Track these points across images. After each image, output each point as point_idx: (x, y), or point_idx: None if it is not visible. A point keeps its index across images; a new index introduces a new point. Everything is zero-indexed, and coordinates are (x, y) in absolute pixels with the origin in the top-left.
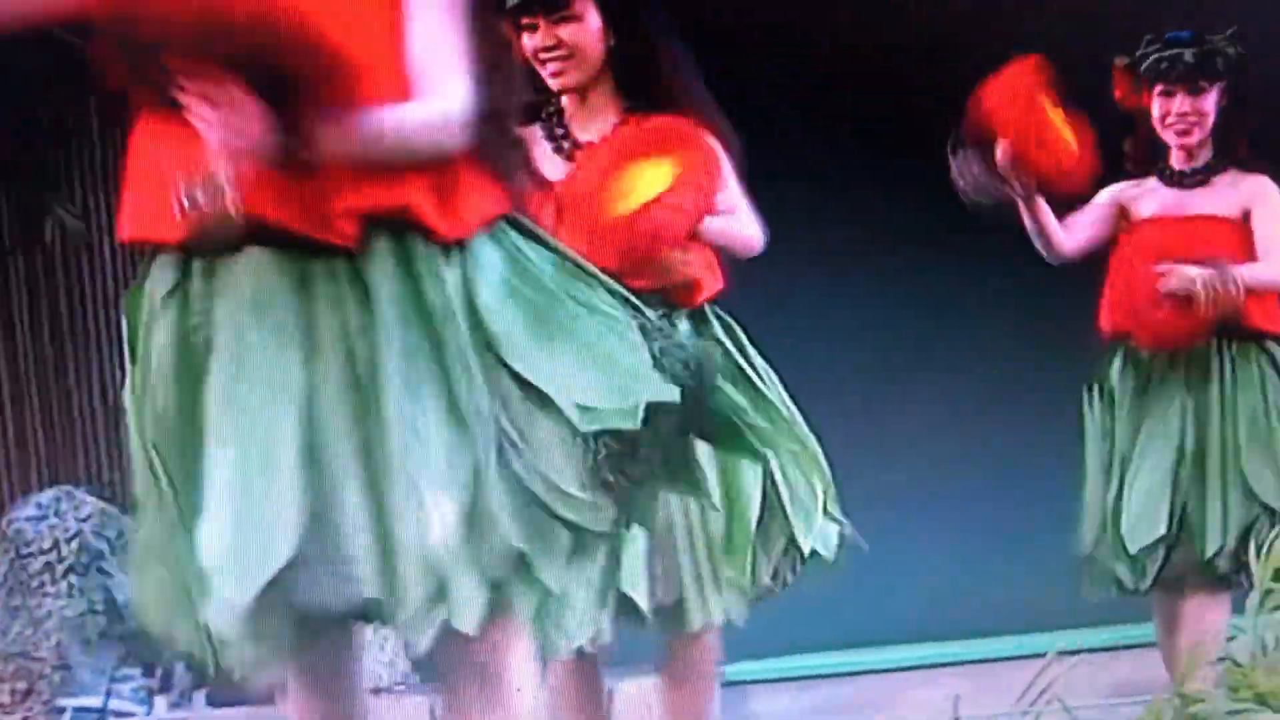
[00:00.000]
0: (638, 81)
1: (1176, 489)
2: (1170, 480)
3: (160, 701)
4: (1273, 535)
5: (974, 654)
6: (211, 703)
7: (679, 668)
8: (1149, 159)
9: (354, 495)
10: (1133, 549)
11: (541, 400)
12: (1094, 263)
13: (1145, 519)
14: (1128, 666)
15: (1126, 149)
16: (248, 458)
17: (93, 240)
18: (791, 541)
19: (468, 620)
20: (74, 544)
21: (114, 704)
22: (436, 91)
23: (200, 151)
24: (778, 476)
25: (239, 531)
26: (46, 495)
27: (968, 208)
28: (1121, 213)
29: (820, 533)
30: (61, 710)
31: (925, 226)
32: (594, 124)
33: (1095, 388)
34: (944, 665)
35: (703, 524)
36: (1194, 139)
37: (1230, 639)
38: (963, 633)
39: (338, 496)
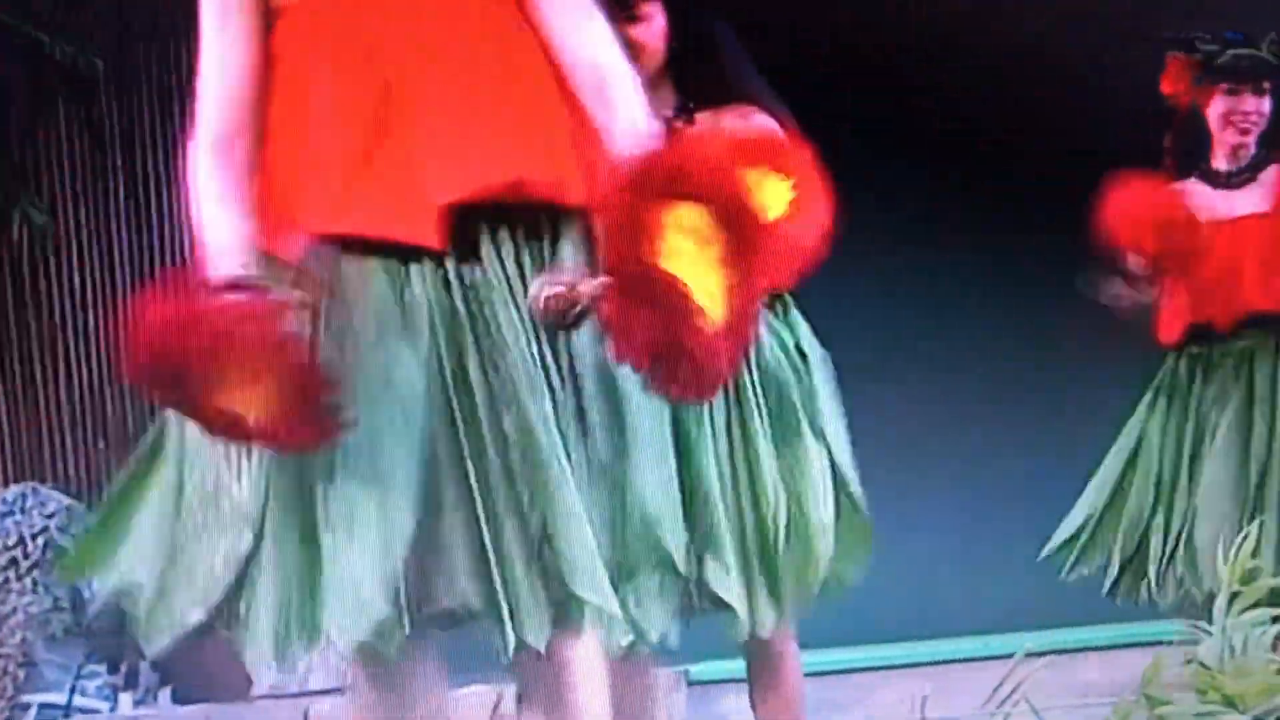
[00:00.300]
0: (699, 80)
1: (1246, 506)
2: (1244, 496)
3: (125, 698)
4: (1240, 538)
5: (941, 654)
6: (176, 699)
7: (764, 672)
8: (1189, 156)
9: (459, 504)
10: (1203, 566)
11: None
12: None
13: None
14: (1095, 668)
15: (1167, 144)
16: (364, 466)
17: (60, 237)
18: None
19: (554, 627)
20: (39, 540)
21: (79, 700)
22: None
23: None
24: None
25: (347, 542)
26: (11, 491)
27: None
28: None
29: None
30: (26, 707)
31: (917, 226)
32: None
33: (1159, 395)
34: (911, 666)
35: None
36: (1252, 137)
37: (1197, 642)
38: (930, 633)
39: (446, 504)
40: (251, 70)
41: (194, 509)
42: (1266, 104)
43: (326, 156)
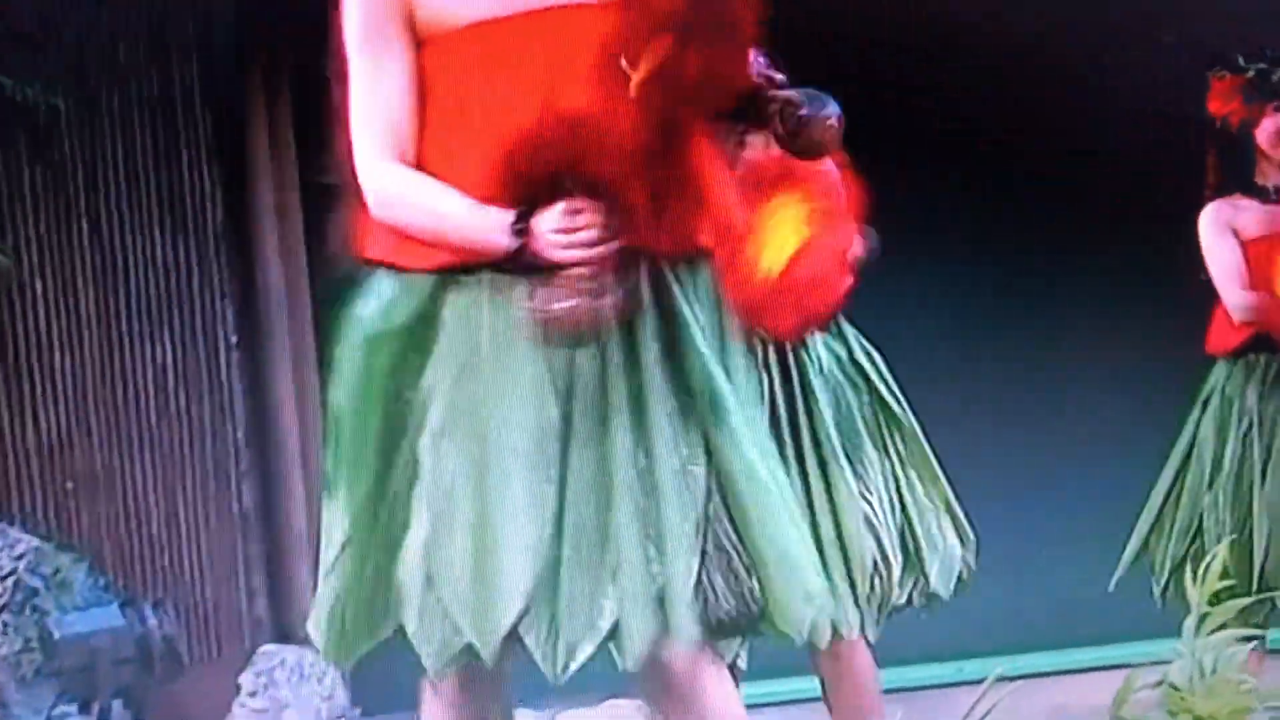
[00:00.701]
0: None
1: None
2: None
3: None
4: (1208, 560)
5: (914, 679)
6: None
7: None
8: (1233, 174)
9: (587, 524)
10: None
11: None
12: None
13: None
14: (1066, 691)
15: (1210, 163)
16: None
17: (24, 278)
18: (921, 569)
19: (685, 642)
20: (8, 581)
21: None
22: None
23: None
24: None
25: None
26: None
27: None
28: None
29: (945, 561)
30: None
31: (936, 234)
32: None
33: (1209, 402)
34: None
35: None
36: None
37: (1169, 662)
38: (902, 658)
39: (574, 522)
40: (411, 94)
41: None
42: None
43: (481, 186)
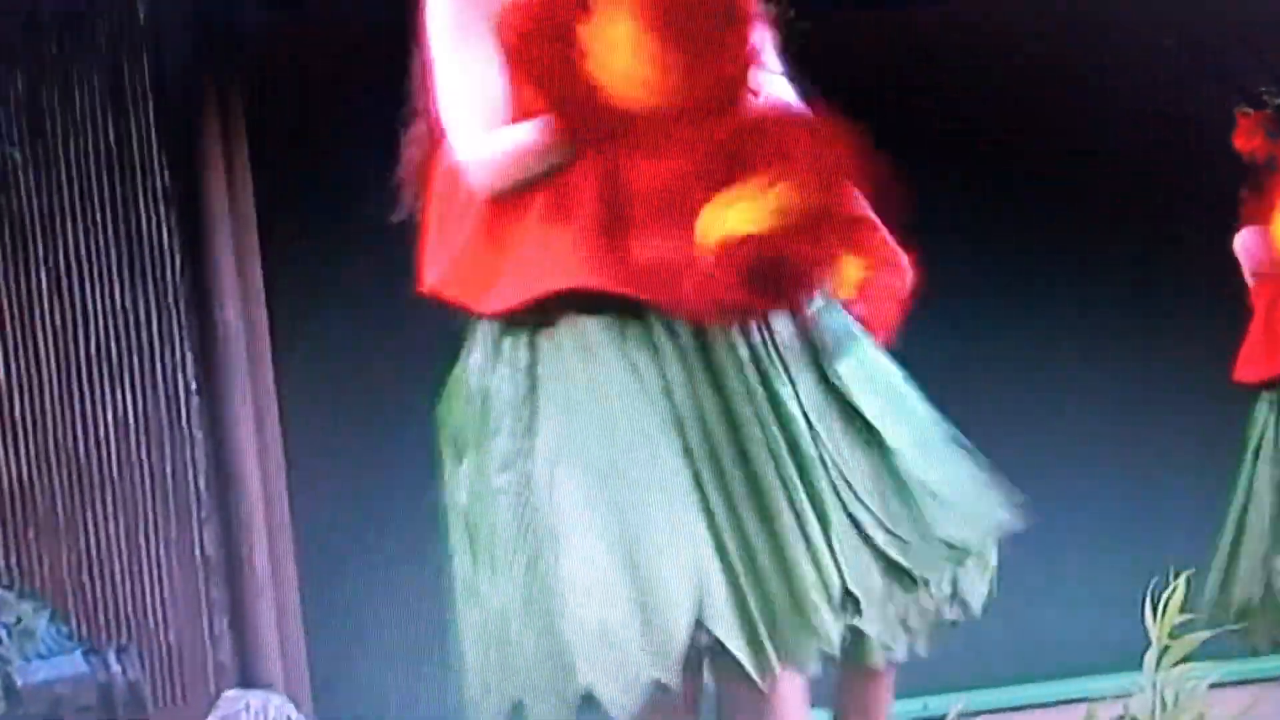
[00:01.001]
0: None
1: None
2: None
3: None
4: (1167, 594)
5: None
6: None
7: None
8: (1266, 205)
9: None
10: None
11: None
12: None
13: None
14: None
15: (1245, 196)
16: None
17: None
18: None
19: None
20: None
21: None
22: None
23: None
24: None
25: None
26: None
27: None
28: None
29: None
30: None
31: (936, 235)
32: None
33: (1262, 451)
34: None
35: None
36: None
37: (1130, 696)
38: None
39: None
40: (502, 77)
41: None
42: None
43: (573, 215)
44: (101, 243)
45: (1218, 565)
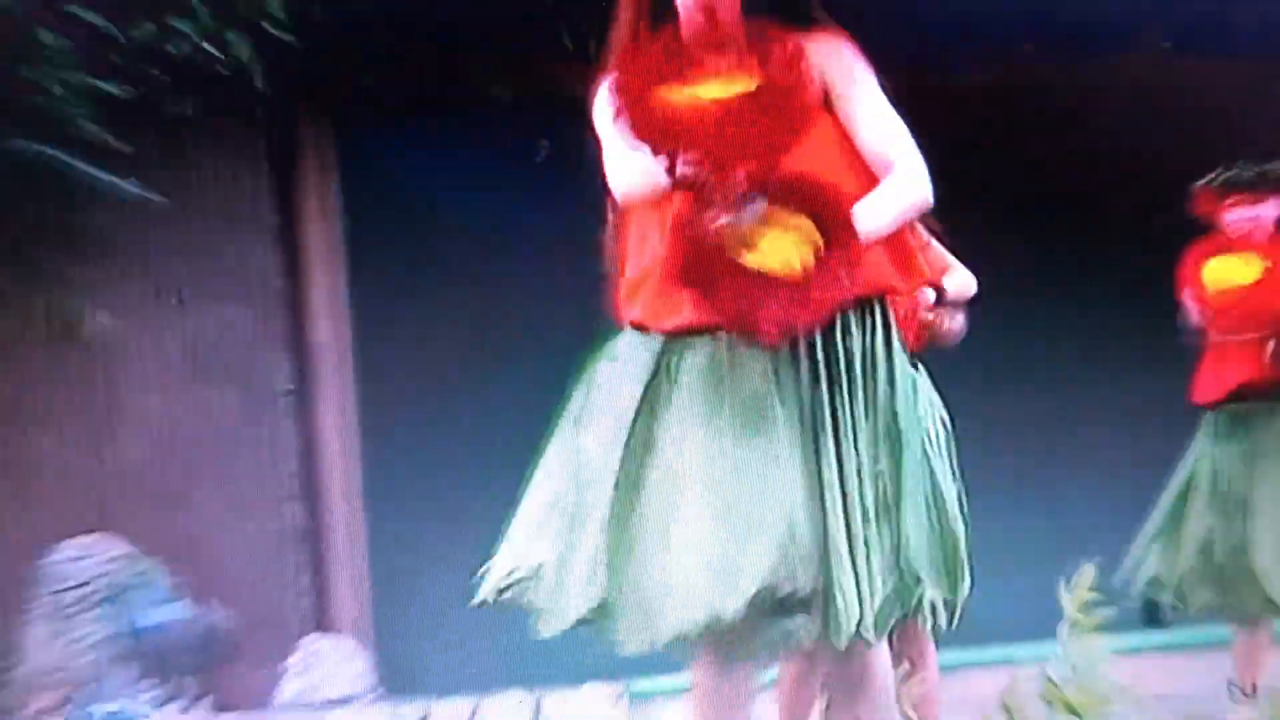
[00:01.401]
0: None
1: None
2: None
3: (172, 707)
4: (1078, 574)
5: None
6: (216, 708)
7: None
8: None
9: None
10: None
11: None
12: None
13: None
14: (961, 686)
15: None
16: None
17: (125, 337)
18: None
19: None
20: (105, 580)
21: (135, 708)
22: (899, 159)
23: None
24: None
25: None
26: (84, 540)
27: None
28: None
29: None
30: (92, 715)
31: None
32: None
33: (1207, 457)
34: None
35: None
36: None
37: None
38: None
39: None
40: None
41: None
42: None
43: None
44: (216, 269)
45: (1159, 543)
